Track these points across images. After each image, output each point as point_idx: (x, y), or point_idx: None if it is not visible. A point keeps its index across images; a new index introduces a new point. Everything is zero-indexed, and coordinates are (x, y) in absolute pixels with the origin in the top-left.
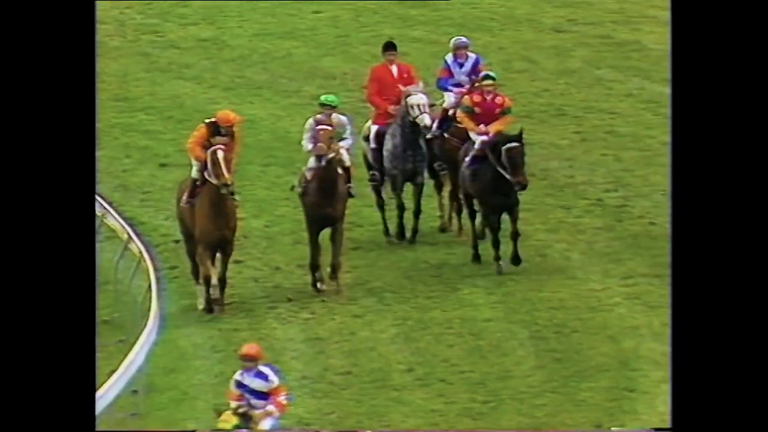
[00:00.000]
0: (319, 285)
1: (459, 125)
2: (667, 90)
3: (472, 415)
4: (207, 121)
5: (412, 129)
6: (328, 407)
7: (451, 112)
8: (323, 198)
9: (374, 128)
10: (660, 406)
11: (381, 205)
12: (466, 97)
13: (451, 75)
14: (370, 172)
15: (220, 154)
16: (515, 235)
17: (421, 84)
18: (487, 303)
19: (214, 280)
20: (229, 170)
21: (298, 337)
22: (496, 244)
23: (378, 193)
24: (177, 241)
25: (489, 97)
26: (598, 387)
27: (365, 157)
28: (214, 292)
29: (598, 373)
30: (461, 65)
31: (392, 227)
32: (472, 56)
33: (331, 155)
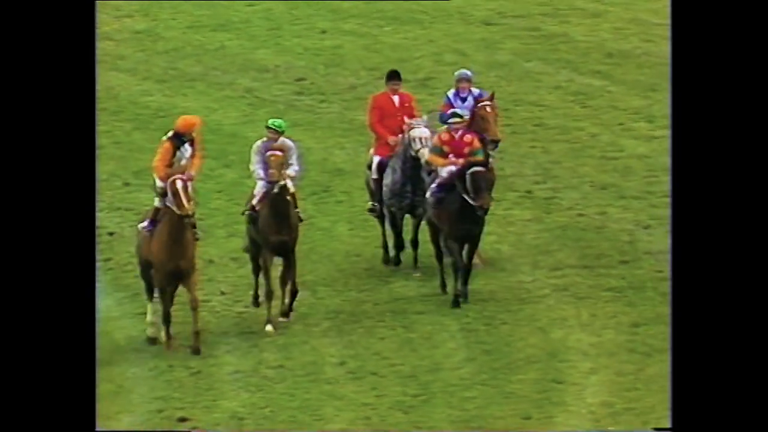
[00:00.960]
0: (269, 327)
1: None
2: (596, 81)
3: (404, 408)
4: (169, 134)
5: (413, 163)
6: (261, 401)
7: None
8: (277, 224)
9: (376, 159)
10: (589, 398)
11: (384, 235)
12: (435, 137)
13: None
14: (370, 203)
15: (179, 185)
16: (467, 269)
17: (425, 117)
18: (419, 296)
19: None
20: (188, 199)
21: (232, 330)
22: (456, 272)
23: (381, 223)
24: (111, 233)
25: (457, 135)
26: (527, 379)
27: (367, 184)
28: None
29: (527, 364)
30: (463, 99)
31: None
32: (476, 91)
33: (283, 182)
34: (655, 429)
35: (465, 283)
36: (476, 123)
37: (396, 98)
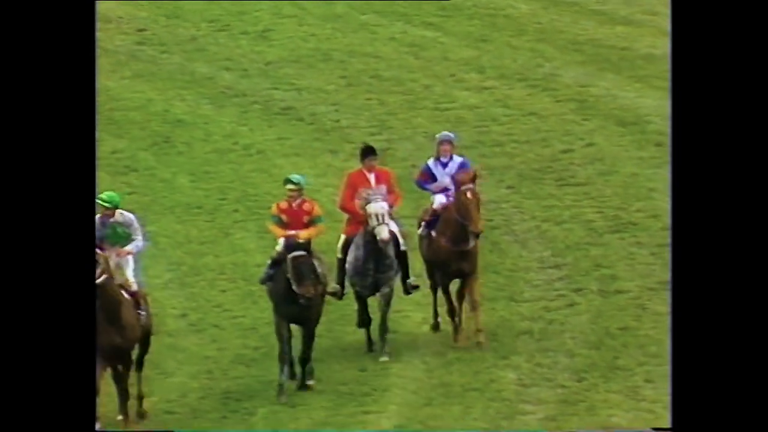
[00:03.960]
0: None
1: (447, 223)
2: (429, 33)
3: (245, 362)
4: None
5: (373, 239)
6: None
7: (443, 211)
8: (110, 327)
9: (342, 237)
10: None
11: (364, 321)
12: (273, 206)
13: (434, 178)
14: (332, 285)
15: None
16: (304, 357)
17: (383, 187)
18: (258, 248)
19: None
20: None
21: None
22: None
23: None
24: None
25: (295, 204)
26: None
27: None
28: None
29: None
30: (444, 165)
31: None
32: (458, 159)
33: (103, 278)
34: (655, 429)
35: (302, 366)
36: (457, 206)
37: (372, 176)
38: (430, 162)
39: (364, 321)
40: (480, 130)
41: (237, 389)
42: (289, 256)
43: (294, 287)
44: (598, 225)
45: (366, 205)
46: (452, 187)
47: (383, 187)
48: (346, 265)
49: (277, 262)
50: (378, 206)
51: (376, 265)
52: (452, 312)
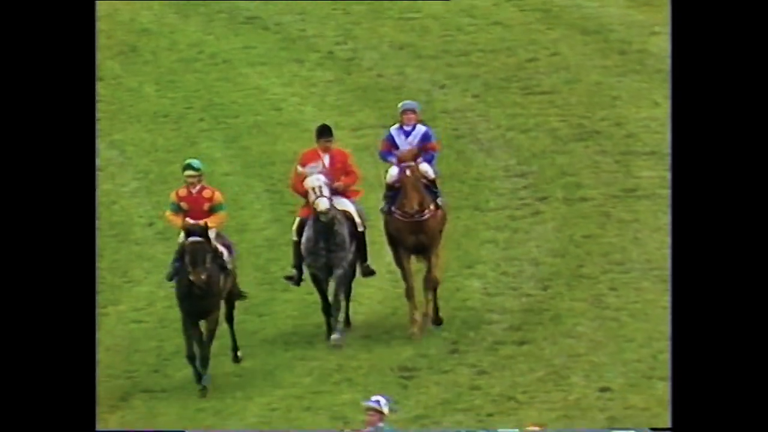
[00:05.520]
0: None
1: (407, 200)
2: None
3: None
4: None
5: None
6: None
7: (396, 183)
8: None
9: (297, 219)
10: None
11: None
12: (172, 193)
13: (396, 147)
14: (289, 269)
15: None
16: (203, 354)
17: (320, 164)
18: (225, 157)
19: None
20: None
21: None
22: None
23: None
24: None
25: (195, 191)
26: None
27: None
28: None
29: None
30: (407, 134)
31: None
32: (422, 128)
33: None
34: (655, 429)
35: (203, 366)
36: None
37: (327, 157)
38: (393, 130)
39: (324, 307)
40: (445, 39)
41: None
42: (186, 241)
43: (190, 275)
44: (562, 133)
45: (304, 180)
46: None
47: (321, 165)
48: (301, 247)
49: (182, 255)
50: (314, 179)
51: (326, 245)
52: (409, 293)
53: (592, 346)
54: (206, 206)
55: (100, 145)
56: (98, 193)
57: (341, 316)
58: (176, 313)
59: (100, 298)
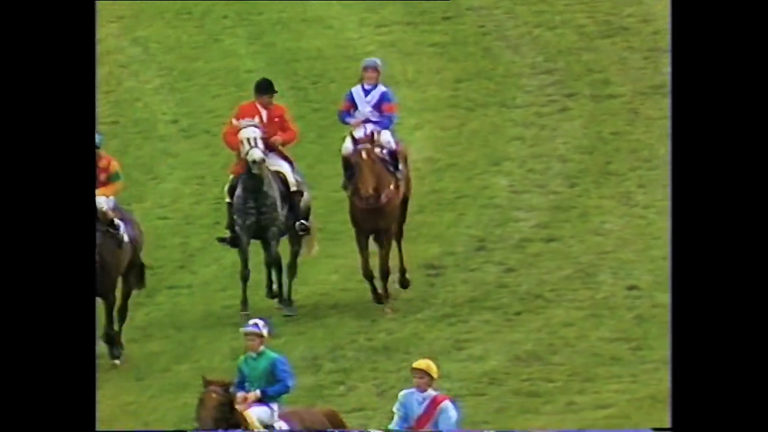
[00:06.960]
0: None
1: (362, 184)
2: None
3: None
4: None
5: (252, 175)
6: None
7: (353, 159)
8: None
9: (231, 177)
10: (414, 154)
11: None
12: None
13: (355, 106)
14: (224, 232)
15: None
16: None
17: (257, 119)
18: (249, 53)
19: None
20: None
21: None
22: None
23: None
24: None
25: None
26: None
27: None
28: None
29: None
30: (367, 92)
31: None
32: (382, 88)
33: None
34: (655, 429)
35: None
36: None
37: (265, 112)
38: (354, 89)
39: (243, 274)
40: None
41: None
42: None
43: None
44: (589, 30)
45: (238, 132)
46: (373, 118)
47: (257, 119)
48: (233, 206)
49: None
50: (249, 130)
51: (256, 204)
52: (366, 274)
53: (619, 244)
54: (102, 176)
55: (124, 42)
56: (120, 89)
57: (285, 291)
58: (202, 210)
59: (125, 194)
